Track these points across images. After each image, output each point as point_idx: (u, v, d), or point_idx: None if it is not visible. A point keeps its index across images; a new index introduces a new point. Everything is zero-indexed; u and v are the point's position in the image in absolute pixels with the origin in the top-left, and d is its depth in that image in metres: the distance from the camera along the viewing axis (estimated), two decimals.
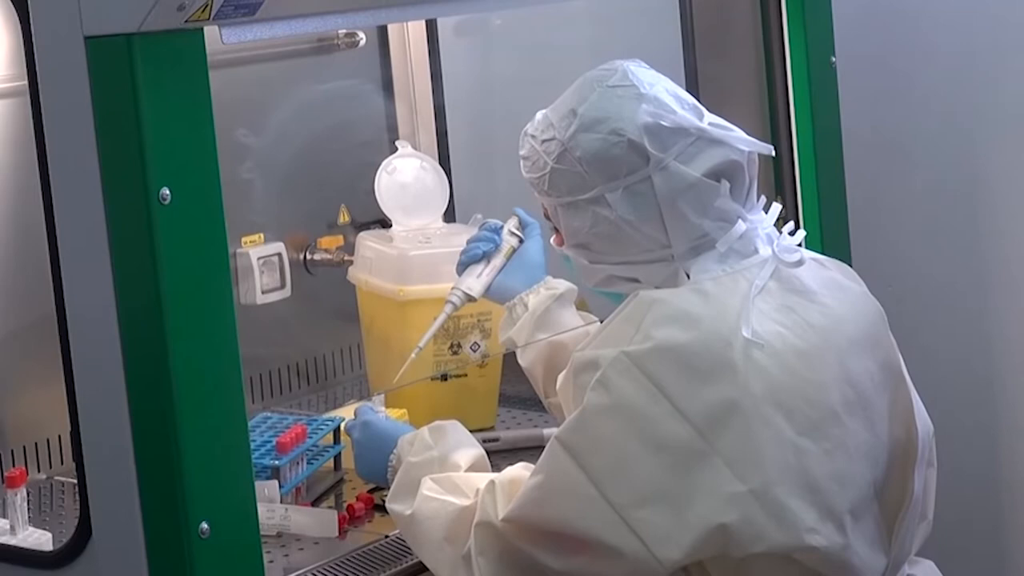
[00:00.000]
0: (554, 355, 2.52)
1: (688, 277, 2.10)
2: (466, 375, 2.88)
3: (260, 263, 2.97)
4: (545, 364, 2.53)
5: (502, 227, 2.64)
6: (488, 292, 2.61)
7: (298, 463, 2.56)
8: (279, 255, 3.00)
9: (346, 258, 3.06)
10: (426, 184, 3.04)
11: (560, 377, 2.15)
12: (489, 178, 3.41)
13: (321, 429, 2.65)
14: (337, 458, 2.68)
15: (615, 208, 2.10)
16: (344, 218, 3.16)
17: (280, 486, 2.48)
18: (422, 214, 3.01)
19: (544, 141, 2.16)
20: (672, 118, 2.10)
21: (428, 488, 2.20)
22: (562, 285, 2.59)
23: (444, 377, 2.85)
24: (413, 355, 2.54)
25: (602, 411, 2.01)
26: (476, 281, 2.59)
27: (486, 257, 2.61)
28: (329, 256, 3.10)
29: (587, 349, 2.07)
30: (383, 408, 2.47)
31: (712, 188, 2.09)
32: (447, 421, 2.32)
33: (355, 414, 2.47)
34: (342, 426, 2.62)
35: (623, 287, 2.16)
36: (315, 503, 2.58)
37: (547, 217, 2.23)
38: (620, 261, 2.14)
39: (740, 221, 2.11)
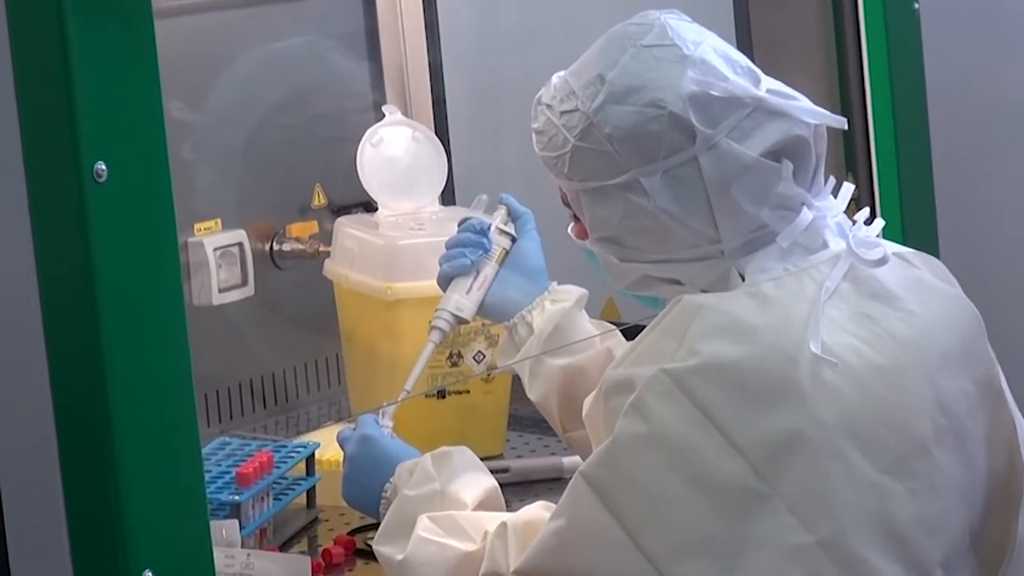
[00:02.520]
0: (570, 382, 2.50)
1: (743, 278, 2.09)
2: (468, 392, 2.88)
3: (217, 255, 2.98)
4: (560, 394, 2.51)
5: (490, 226, 2.60)
6: (482, 309, 2.59)
7: (263, 499, 2.56)
8: (240, 245, 3.02)
9: (321, 249, 3.07)
10: (419, 158, 3.04)
11: (587, 402, 2.14)
12: (495, 151, 3.41)
13: (291, 457, 2.65)
14: (310, 492, 2.68)
15: (652, 196, 2.09)
16: (319, 200, 3.16)
17: (241, 526, 2.48)
18: (414, 195, 3.02)
19: (564, 113, 2.14)
20: (723, 86, 2.08)
21: (425, 528, 2.19)
22: (571, 294, 2.55)
23: (442, 394, 2.85)
24: (400, 398, 2.53)
25: (637, 441, 2.00)
26: (466, 298, 2.57)
27: (475, 267, 2.58)
28: (301, 246, 3.11)
29: (620, 367, 2.06)
30: (390, 424, 2.45)
31: (772, 170, 2.08)
32: (455, 448, 2.32)
33: (356, 424, 2.45)
34: (335, 436, 2.59)
35: (661, 290, 2.15)
36: (283, 547, 2.59)
37: (565, 203, 2.22)
38: (658, 259, 2.13)
39: (805, 209, 2.10)
